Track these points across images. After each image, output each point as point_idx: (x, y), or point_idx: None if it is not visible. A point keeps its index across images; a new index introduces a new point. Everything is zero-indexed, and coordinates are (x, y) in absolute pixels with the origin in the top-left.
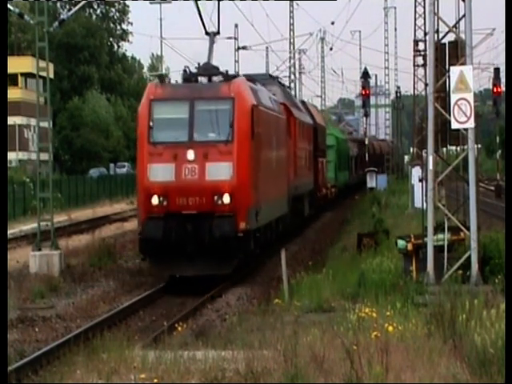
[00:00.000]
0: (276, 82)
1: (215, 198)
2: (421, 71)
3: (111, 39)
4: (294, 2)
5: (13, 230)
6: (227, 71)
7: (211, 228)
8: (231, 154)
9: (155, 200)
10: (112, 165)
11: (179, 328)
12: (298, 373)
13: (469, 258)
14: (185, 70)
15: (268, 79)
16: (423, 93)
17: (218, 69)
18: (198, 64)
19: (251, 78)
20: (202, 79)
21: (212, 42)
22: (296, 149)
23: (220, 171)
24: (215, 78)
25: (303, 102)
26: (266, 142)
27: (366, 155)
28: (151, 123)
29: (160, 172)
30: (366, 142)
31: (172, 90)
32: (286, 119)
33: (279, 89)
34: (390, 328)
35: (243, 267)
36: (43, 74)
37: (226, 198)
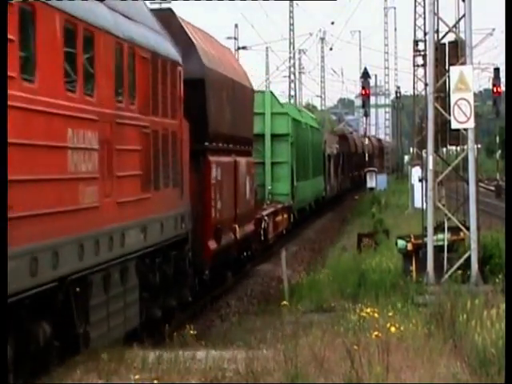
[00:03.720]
0: None
1: None
2: (421, 71)
3: None
4: (294, 2)
5: None
6: None
7: None
8: None
9: None
10: None
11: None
12: (298, 373)
13: (469, 257)
14: None
15: None
16: (423, 93)
17: None
18: None
19: None
20: None
21: None
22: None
23: None
24: None
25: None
26: None
27: (366, 155)
28: None
29: None
30: (367, 142)
31: None
32: None
33: None
34: (393, 328)
35: (242, 268)
36: None
37: None
